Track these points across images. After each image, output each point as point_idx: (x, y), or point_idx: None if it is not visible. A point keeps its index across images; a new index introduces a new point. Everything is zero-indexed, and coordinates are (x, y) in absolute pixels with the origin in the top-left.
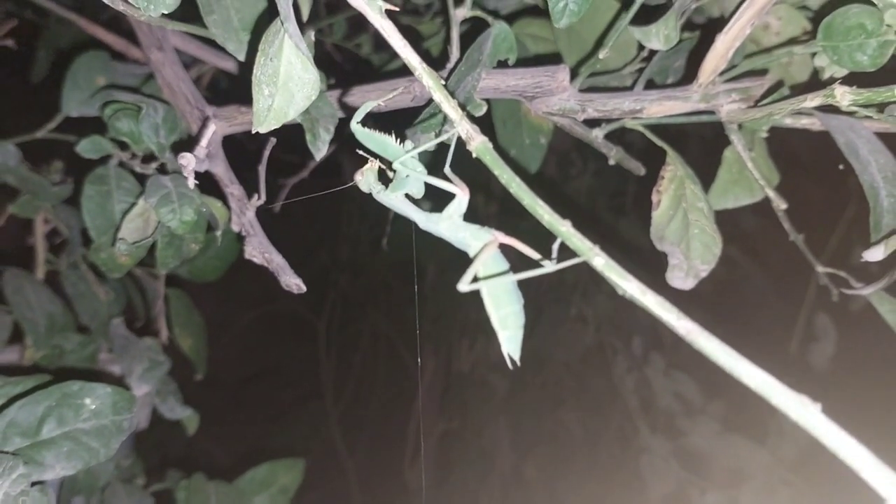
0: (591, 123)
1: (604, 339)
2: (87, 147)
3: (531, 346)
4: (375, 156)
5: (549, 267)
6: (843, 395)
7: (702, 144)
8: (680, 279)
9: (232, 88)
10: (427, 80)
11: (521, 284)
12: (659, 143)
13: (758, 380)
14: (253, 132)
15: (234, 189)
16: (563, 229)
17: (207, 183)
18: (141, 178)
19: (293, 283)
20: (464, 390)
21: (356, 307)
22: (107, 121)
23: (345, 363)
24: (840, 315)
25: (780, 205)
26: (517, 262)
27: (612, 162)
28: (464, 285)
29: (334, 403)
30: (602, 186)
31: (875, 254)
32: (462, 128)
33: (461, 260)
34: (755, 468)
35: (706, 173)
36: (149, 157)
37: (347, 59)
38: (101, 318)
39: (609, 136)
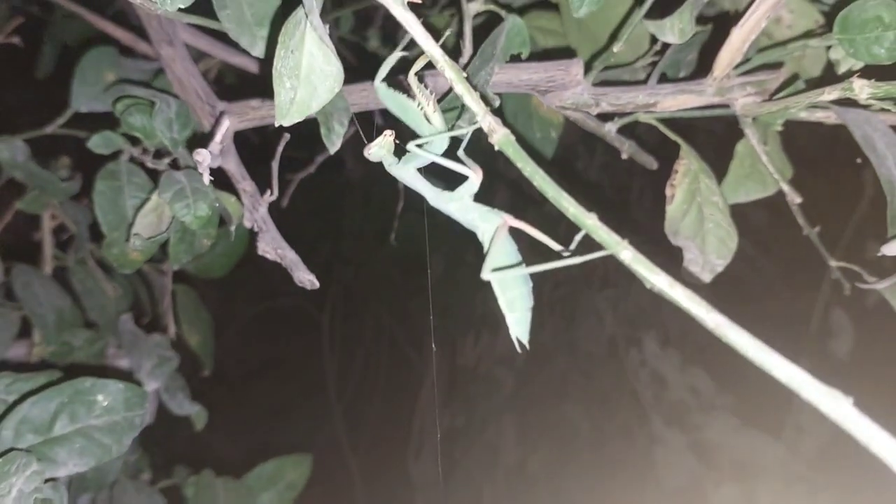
0: (604, 117)
1: (616, 333)
2: (98, 142)
3: (539, 340)
4: (396, 120)
5: (575, 259)
6: (862, 389)
7: (711, 139)
8: (696, 274)
9: (239, 84)
10: (449, 73)
11: (536, 274)
12: (673, 136)
13: (789, 374)
14: (276, 125)
15: (246, 185)
16: (590, 222)
17: (218, 177)
18: (151, 174)
19: (306, 278)
20: (469, 385)
21: (359, 302)
22: (119, 116)
23: (348, 358)
24: (856, 310)
25: (795, 199)
26: (537, 252)
27: (624, 156)
28: (486, 274)
29: (338, 398)
30: (610, 180)
31: (893, 248)
32: (485, 121)
33: (467, 254)
34: (771, 463)
35: (715, 168)
36: (159, 153)
37: (354, 53)
38: (109, 314)
39: (621, 130)
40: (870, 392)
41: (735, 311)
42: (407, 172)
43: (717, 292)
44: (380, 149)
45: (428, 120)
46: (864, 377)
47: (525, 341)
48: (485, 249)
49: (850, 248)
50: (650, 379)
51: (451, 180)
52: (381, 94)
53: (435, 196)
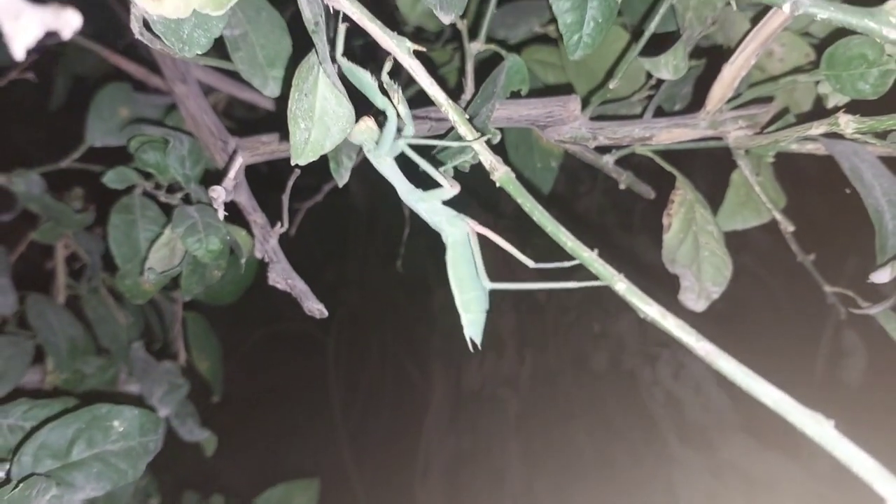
0: (602, 149)
1: (627, 354)
2: (112, 178)
3: (543, 361)
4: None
5: (570, 284)
6: (875, 410)
7: (710, 163)
8: (692, 301)
9: (247, 117)
10: (452, 115)
11: (544, 293)
12: (668, 168)
13: (774, 398)
14: (292, 164)
15: (257, 217)
16: (586, 255)
17: (229, 209)
18: (164, 207)
19: (316, 308)
20: (474, 408)
21: (365, 326)
22: (133, 153)
23: (354, 381)
24: (868, 331)
25: (788, 227)
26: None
27: (622, 186)
28: (451, 275)
29: (343, 422)
30: (612, 204)
31: (882, 276)
32: (486, 160)
33: None
34: (788, 483)
35: (714, 192)
36: (172, 188)
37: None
38: (120, 342)
39: (619, 160)
40: (883, 412)
41: (746, 333)
42: (384, 162)
43: (729, 316)
44: (360, 133)
45: (389, 99)
46: (878, 398)
47: (478, 342)
48: (448, 252)
49: (857, 272)
50: (665, 399)
51: (428, 181)
52: (343, 67)
53: (407, 192)
